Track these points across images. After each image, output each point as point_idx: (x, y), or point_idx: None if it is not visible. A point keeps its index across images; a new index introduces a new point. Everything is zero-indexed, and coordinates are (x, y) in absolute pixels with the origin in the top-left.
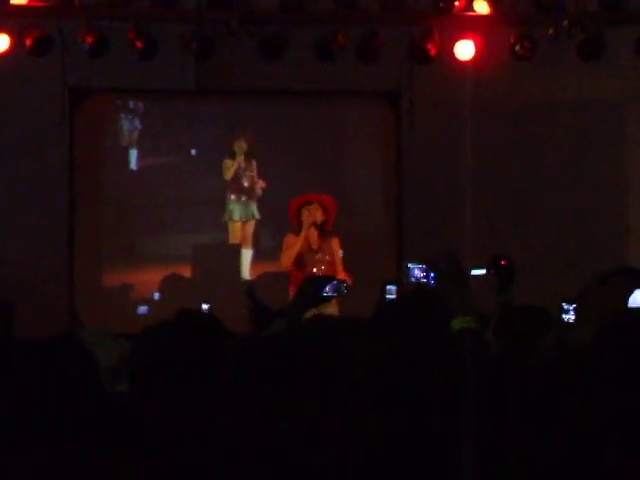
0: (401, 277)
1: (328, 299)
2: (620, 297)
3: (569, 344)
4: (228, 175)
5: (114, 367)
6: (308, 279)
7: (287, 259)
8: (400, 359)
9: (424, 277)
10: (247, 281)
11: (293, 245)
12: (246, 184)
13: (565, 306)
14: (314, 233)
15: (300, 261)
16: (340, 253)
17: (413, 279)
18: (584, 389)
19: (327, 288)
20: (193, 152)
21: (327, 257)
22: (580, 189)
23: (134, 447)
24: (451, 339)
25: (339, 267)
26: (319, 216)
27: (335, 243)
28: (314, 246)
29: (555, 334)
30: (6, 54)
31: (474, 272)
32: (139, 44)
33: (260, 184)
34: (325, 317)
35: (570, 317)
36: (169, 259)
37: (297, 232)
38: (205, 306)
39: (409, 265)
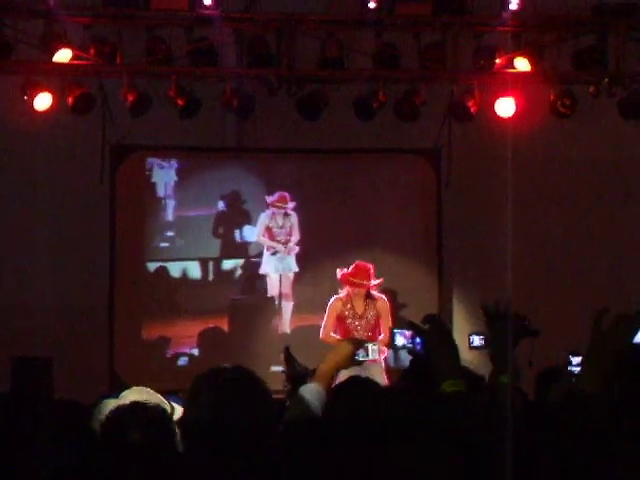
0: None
1: (360, 362)
2: (625, 339)
3: (577, 393)
4: (259, 232)
5: None
6: (345, 343)
7: (325, 333)
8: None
9: (410, 342)
10: (284, 334)
11: (332, 313)
12: (282, 238)
13: (571, 358)
14: (360, 301)
15: (344, 327)
16: (387, 313)
17: (399, 345)
18: (594, 437)
19: (359, 352)
20: (228, 205)
21: (372, 321)
22: (622, 245)
23: None
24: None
25: (386, 328)
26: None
27: (380, 305)
28: (359, 312)
29: (562, 387)
30: (49, 112)
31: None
32: (180, 102)
33: (294, 239)
34: (361, 383)
35: (576, 369)
36: (207, 313)
37: (342, 299)
38: None
39: (394, 331)
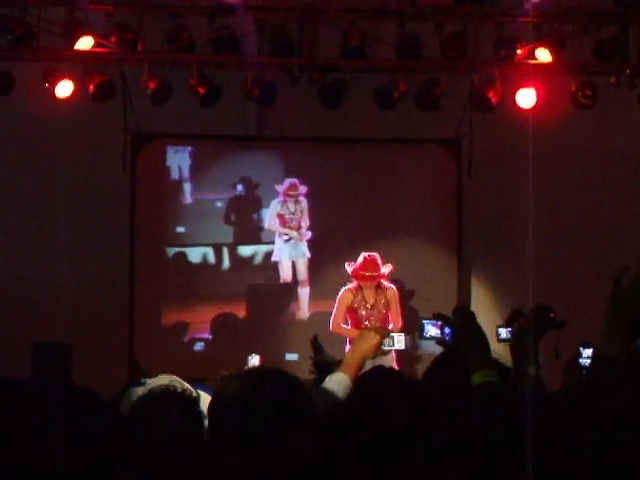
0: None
1: (386, 352)
2: None
3: (599, 358)
4: (269, 219)
5: None
6: (371, 332)
7: (334, 324)
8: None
9: (439, 333)
10: (302, 320)
11: (342, 304)
12: (295, 225)
13: (582, 351)
14: (370, 291)
15: (356, 318)
16: (397, 303)
17: (428, 336)
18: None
19: (385, 341)
20: (244, 191)
21: (383, 310)
22: None
23: None
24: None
25: (396, 317)
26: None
27: (390, 294)
28: (370, 303)
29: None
30: (70, 99)
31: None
32: (201, 90)
33: (305, 224)
34: (384, 375)
35: (587, 361)
36: (225, 298)
37: (352, 290)
38: (255, 358)
39: (423, 322)
